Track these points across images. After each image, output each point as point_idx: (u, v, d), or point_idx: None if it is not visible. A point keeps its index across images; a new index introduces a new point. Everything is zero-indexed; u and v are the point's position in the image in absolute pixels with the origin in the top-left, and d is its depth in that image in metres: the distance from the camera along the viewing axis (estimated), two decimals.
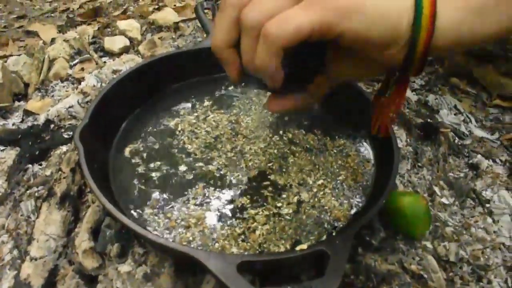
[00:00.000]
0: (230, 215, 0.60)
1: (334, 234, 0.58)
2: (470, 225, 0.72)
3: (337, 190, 0.65)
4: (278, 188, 0.64)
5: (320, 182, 0.65)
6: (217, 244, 0.56)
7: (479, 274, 0.66)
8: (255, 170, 0.67)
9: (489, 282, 0.66)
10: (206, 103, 0.79)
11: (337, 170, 0.68)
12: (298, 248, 0.51)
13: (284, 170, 0.67)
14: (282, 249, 0.55)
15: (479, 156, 0.88)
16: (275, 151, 0.70)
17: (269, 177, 0.66)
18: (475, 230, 0.72)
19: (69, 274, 0.59)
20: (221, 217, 0.60)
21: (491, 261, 0.68)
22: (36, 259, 0.61)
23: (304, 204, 0.62)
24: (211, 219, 0.60)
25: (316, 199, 0.63)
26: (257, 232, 0.57)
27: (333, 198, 0.63)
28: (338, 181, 0.66)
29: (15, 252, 0.67)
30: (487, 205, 0.77)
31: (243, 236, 0.57)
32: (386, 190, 0.58)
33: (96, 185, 0.54)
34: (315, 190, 0.64)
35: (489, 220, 0.75)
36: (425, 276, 0.63)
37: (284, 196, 0.63)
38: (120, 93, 0.69)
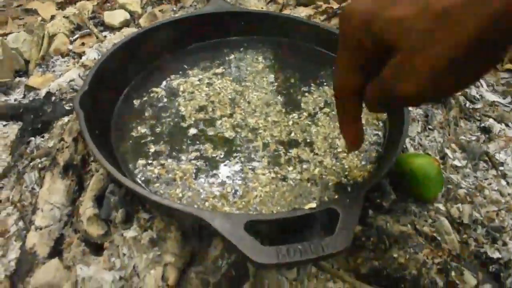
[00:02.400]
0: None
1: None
2: (483, 187, 0.71)
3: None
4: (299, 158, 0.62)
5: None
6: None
7: (493, 236, 0.64)
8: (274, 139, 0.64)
9: (504, 244, 0.64)
10: (214, 69, 0.77)
11: None
12: (307, 206, 0.49)
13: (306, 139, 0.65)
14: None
15: (491, 120, 0.86)
16: (291, 123, 0.67)
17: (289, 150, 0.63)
18: (489, 192, 0.70)
19: (74, 242, 0.58)
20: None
21: (506, 223, 0.67)
22: (41, 228, 0.60)
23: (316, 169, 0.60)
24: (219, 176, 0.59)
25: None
26: (254, 193, 0.56)
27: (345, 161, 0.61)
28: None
29: (20, 223, 0.66)
30: (501, 168, 0.76)
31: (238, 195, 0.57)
32: (395, 152, 0.56)
33: (97, 150, 0.52)
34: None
35: (503, 182, 0.73)
36: (438, 238, 0.61)
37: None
38: (120, 59, 0.68)
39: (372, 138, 0.65)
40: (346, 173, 0.59)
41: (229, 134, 0.64)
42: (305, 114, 0.67)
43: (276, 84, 0.73)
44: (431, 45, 0.35)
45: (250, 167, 0.60)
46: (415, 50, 0.36)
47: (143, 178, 0.58)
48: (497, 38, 0.34)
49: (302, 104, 0.69)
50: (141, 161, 0.60)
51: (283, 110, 0.68)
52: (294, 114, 0.67)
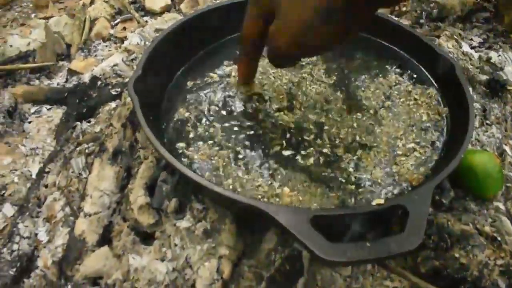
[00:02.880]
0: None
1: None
2: None
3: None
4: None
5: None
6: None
7: None
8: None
9: None
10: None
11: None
12: (374, 202, 0.47)
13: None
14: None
15: None
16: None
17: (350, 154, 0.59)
18: None
19: (124, 231, 0.57)
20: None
21: None
22: (90, 215, 0.60)
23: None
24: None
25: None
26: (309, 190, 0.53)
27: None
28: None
29: (67, 209, 0.65)
30: None
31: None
32: (462, 147, 0.53)
33: (155, 138, 0.51)
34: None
35: None
36: (499, 238, 0.58)
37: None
38: (172, 44, 0.66)
39: (434, 136, 0.62)
40: (407, 176, 0.56)
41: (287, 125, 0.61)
42: (368, 113, 0.64)
43: (334, 77, 0.69)
44: (296, 9, 0.44)
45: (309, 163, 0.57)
46: (286, 11, 0.45)
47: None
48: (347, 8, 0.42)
49: (363, 101, 0.65)
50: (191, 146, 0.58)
51: (344, 108, 0.64)
52: (358, 114, 0.64)
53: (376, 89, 0.67)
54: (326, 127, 0.61)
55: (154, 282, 0.51)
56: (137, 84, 0.57)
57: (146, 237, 0.58)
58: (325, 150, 0.58)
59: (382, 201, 0.46)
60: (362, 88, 0.67)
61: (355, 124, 0.61)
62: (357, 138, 0.60)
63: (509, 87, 0.82)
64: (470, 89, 0.77)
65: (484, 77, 0.82)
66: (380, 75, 0.69)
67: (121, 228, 0.58)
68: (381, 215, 0.47)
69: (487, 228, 0.58)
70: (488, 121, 0.74)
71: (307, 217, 0.43)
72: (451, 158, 0.52)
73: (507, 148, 0.71)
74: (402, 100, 0.66)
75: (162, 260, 0.54)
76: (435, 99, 0.66)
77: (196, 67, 0.69)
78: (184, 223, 0.53)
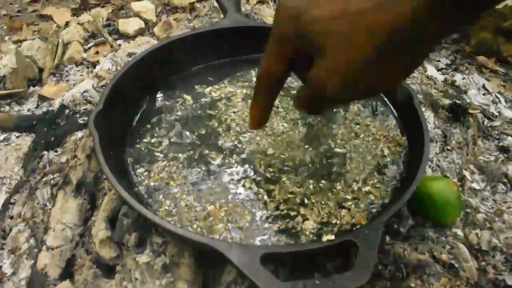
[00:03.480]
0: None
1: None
2: (502, 212, 0.69)
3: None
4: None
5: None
6: None
7: None
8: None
9: None
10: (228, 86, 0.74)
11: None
12: (325, 238, 0.48)
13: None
14: None
15: (510, 138, 0.84)
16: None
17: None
18: (508, 217, 0.68)
19: (86, 264, 0.58)
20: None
21: None
22: (52, 249, 0.60)
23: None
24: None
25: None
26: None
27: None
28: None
29: (32, 241, 0.65)
30: None
31: None
32: (417, 177, 0.55)
33: (111, 172, 0.51)
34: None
35: None
36: (456, 265, 0.60)
37: None
38: (136, 77, 0.66)
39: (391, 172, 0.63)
40: (369, 200, 0.57)
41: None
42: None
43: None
44: (349, 47, 0.37)
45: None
46: (337, 51, 0.38)
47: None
48: (414, 36, 0.36)
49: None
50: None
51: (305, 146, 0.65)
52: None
53: (345, 128, 0.68)
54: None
55: None
56: (98, 118, 0.58)
57: (108, 270, 0.58)
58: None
59: (332, 237, 0.47)
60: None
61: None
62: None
63: (471, 111, 0.84)
64: (432, 115, 0.79)
65: (447, 102, 0.84)
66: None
67: (84, 262, 0.59)
68: (332, 251, 0.48)
69: (444, 256, 0.60)
70: (448, 147, 0.75)
71: (258, 254, 0.43)
72: (405, 191, 0.53)
73: (467, 173, 0.72)
74: (362, 136, 0.67)
75: None
76: (394, 130, 0.67)
77: (163, 98, 0.70)
78: (143, 258, 0.54)
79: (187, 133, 0.65)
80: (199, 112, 0.69)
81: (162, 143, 0.64)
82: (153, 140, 0.65)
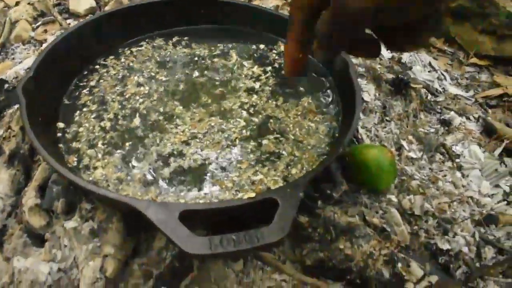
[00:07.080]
0: None
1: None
2: (437, 179, 0.71)
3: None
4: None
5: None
6: None
7: (444, 228, 0.64)
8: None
9: (455, 235, 0.64)
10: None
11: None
12: (246, 196, 0.49)
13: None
14: None
15: (452, 112, 0.86)
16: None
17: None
18: (443, 184, 0.70)
19: (15, 234, 0.57)
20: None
21: (458, 214, 0.67)
22: None
23: None
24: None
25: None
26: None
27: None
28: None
29: None
30: (457, 160, 0.76)
31: None
32: (343, 141, 0.55)
33: (35, 137, 0.51)
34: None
35: (458, 174, 0.73)
36: (388, 229, 0.61)
37: None
38: (71, 47, 0.66)
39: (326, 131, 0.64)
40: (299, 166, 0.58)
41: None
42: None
43: None
44: None
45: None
46: None
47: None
48: None
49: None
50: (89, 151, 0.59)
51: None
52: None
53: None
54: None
55: (37, 283, 0.51)
56: (27, 85, 0.57)
57: (40, 239, 0.58)
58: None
59: (253, 195, 0.48)
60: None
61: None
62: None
63: (413, 85, 0.85)
64: (373, 87, 0.80)
65: (390, 76, 0.86)
66: None
67: (13, 231, 0.58)
68: (253, 208, 0.48)
69: (376, 220, 0.61)
70: (387, 118, 0.77)
71: (176, 212, 0.44)
72: (332, 154, 0.54)
73: (404, 143, 0.74)
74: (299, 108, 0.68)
75: (52, 261, 0.54)
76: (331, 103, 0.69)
77: (97, 69, 0.70)
78: (71, 224, 0.53)
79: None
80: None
81: (92, 111, 0.64)
82: (85, 109, 0.64)
